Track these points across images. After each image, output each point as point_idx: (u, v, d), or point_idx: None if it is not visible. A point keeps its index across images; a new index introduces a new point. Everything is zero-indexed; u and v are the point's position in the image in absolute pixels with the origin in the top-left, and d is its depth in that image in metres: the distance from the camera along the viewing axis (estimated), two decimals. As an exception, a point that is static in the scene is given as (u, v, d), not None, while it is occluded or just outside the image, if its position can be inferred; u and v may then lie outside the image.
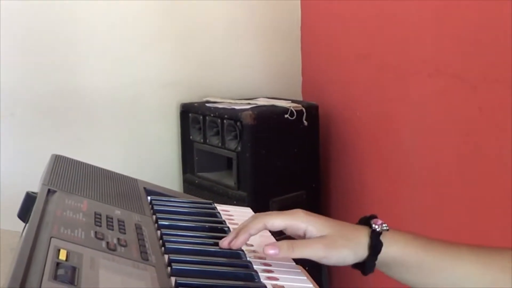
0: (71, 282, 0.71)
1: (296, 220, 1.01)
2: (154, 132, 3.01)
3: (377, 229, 1.02)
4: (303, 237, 1.02)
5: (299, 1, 3.24)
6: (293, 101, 2.91)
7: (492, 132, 2.18)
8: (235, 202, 2.62)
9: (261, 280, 0.91)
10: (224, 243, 1.01)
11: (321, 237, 1.00)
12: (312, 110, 2.88)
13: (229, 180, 2.81)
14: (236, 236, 1.01)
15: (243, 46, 3.15)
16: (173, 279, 0.85)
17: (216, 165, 2.96)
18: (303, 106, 2.84)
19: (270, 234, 1.11)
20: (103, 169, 1.27)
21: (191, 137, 2.95)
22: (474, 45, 2.22)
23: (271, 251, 0.97)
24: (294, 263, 1.03)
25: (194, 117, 2.92)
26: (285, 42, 3.25)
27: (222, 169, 2.95)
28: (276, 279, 0.94)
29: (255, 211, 1.34)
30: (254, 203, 2.60)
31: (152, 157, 3.00)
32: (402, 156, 2.61)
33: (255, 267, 0.95)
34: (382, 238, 1.01)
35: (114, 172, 1.28)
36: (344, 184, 3.00)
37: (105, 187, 1.17)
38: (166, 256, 0.92)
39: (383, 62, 2.68)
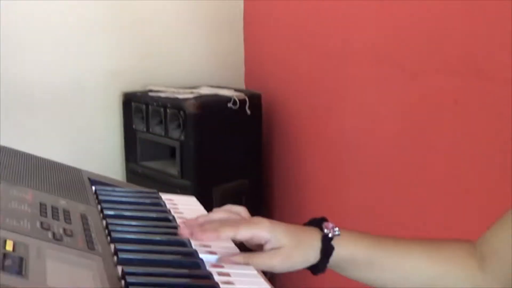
0: (19, 272, 0.72)
1: (261, 230, 1.02)
2: (97, 122, 2.99)
3: (329, 235, 1.05)
4: (262, 245, 1.03)
5: (242, -9, 3.26)
6: (236, 90, 2.93)
7: (432, 120, 2.23)
8: (178, 190, 2.63)
9: (207, 268, 0.92)
10: (184, 231, 1.01)
11: (278, 250, 1.02)
12: (255, 99, 2.90)
13: (172, 169, 2.82)
14: (203, 230, 1.01)
15: (186, 35, 3.15)
16: (119, 267, 0.85)
17: (159, 154, 2.96)
18: (246, 95, 2.86)
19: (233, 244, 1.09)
20: (47, 160, 1.27)
21: (134, 126, 2.94)
22: (414, 35, 2.27)
23: (237, 260, 0.98)
24: (239, 251, 1.04)
25: (137, 106, 2.91)
26: (228, 31, 3.26)
27: (165, 158, 2.95)
28: (222, 266, 0.96)
29: (198, 199, 1.36)
30: (197, 191, 2.61)
31: (95, 147, 2.98)
32: (344, 145, 2.65)
33: (200, 255, 0.96)
34: (333, 242, 1.04)
35: (58, 163, 1.28)
36: (287, 172, 3.03)
37: (50, 178, 1.17)
38: (112, 246, 0.93)
39: (326, 51, 2.71)
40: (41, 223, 0.90)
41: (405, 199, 2.36)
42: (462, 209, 2.12)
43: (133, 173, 2.97)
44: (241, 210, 1.12)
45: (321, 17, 2.73)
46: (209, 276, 0.89)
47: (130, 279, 0.82)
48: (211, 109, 2.77)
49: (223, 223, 1.04)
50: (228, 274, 0.93)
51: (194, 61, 3.19)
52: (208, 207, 1.25)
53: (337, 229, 1.06)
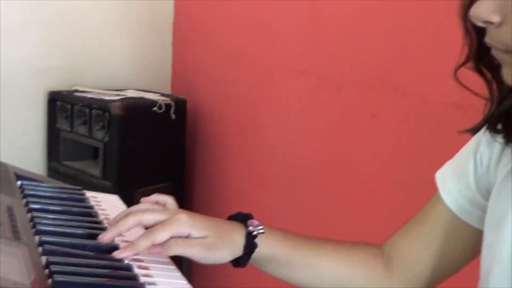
0: None
1: (181, 228, 1.02)
2: (21, 119, 2.96)
3: (253, 232, 1.07)
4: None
5: (173, -4, 3.30)
6: (162, 95, 2.96)
7: (354, 131, 2.31)
8: (99, 191, 2.64)
9: (129, 261, 0.97)
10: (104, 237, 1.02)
11: (203, 238, 1.03)
12: (180, 104, 2.94)
13: (95, 170, 2.82)
14: (121, 250, 1.01)
15: (115, 37, 3.17)
16: (44, 257, 0.89)
17: (82, 154, 2.96)
18: (171, 100, 2.90)
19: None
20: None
21: (58, 125, 2.94)
22: (338, 49, 2.35)
23: (157, 250, 0.99)
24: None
25: (62, 106, 2.91)
26: (157, 35, 3.29)
27: (88, 158, 2.96)
28: (141, 261, 1.00)
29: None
30: (119, 193, 2.61)
31: (18, 144, 2.95)
32: (265, 153, 2.71)
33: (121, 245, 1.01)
34: (256, 240, 1.07)
35: (-16, 156, 1.30)
36: (209, 177, 3.08)
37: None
38: (37, 237, 0.97)
39: (253, 61, 2.77)
40: (-32, 213, 0.93)
41: (322, 206, 2.44)
42: (377, 215, 2.21)
43: (55, 172, 2.95)
44: (168, 200, 1.15)
45: (248, 26, 2.79)
46: (129, 267, 0.94)
47: (54, 268, 0.86)
48: (136, 112, 2.79)
49: (128, 213, 1.05)
50: (147, 268, 0.97)
51: (122, 64, 3.20)
52: None
53: (261, 227, 1.08)
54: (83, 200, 1.26)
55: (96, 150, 2.85)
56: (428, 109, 1.99)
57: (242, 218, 1.10)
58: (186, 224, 1.03)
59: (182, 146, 3.01)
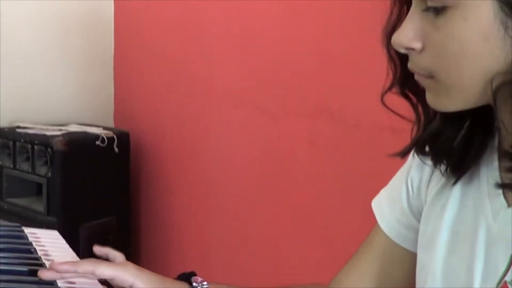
0: None
1: (124, 273, 1.04)
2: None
3: (197, 287, 1.08)
4: None
5: (112, 30, 3.31)
6: (104, 128, 2.98)
7: (289, 159, 2.36)
8: (44, 227, 2.62)
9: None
10: (45, 273, 1.03)
11: None
12: (123, 137, 2.96)
13: (39, 206, 2.82)
14: (61, 264, 1.03)
15: (55, 72, 3.17)
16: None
17: (26, 191, 2.95)
18: (114, 133, 2.92)
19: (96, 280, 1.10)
20: None
21: (0, 162, 2.93)
22: (275, 79, 2.41)
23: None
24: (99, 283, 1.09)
25: (3, 142, 2.90)
26: (98, 69, 3.31)
27: (32, 195, 2.95)
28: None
29: (64, 237, 1.39)
30: (64, 229, 2.62)
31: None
32: (206, 183, 2.75)
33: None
34: None
35: None
36: (153, 208, 3.09)
37: None
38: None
39: (191, 92, 2.81)
40: None
41: (263, 236, 2.48)
42: (319, 245, 2.25)
43: (-1, 210, 2.95)
44: (118, 256, 1.14)
45: (187, 58, 2.84)
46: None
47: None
48: (79, 146, 2.80)
49: (86, 261, 1.06)
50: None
51: (63, 98, 3.21)
52: (75, 245, 1.28)
53: (205, 283, 1.09)
54: (22, 237, 1.27)
55: (40, 186, 2.85)
56: (364, 134, 2.05)
57: (186, 277, 1.11)
58: (132, 272, 1.05)
59: (126, 179, 3.03)
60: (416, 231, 1.02)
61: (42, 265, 1.11)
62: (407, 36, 0.83)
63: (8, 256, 1.12)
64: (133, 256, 2.97)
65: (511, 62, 0.78)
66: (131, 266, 1.06)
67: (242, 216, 2.58)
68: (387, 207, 1.08)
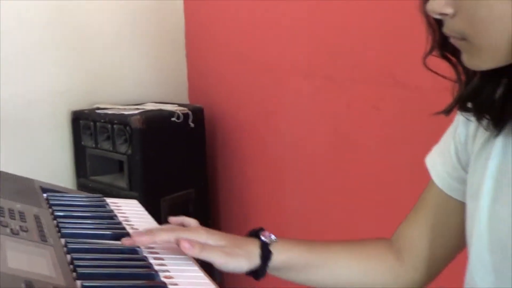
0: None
1: (197, 235, 1.11)
2: (47, 140, 3.06)
3: (267, 241, 1.16)
4: None
5: (182, 7, 3.38)
6: (179, 105, 3.07)
7: (358, 125, 2.42)
8: (128, 202, 2.76)
9: (149, 260, 1.07)
10: (127, 241, 1.10)
11: (221, 246, 1.11)
12: (197, 113, 3.05)
13: (121, 182, 2.94)
14: (140, 234, 1.10)
15: (130, 53, 3.27)
16: (68, 256, 1.02)
17: (108, 168, 3.08)
18: (189, 109, 3.01)
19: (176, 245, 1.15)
20: (3, 172, 1.42)
21: (83, 143, 3.06)
22: (340, 49, 2.45)
23: (186, 245, 1.08)
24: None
25: (85, 124, 3.02)
26: (170, 47, 3.39)
27: (114, 172, 3.08)
28: (162, 259, 1.10)
29: (147, 209, 1.47)
30: (146, 202, 2.72)
31: (46, 164, 3.06)
32: (280, 153, 2.82)
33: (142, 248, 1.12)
34: (271, 248, 1.16)
35: (13, 174, 1.43)
36: (230, 180, 3.18)
37: (5, 187, 1.32)
38: (62, 240, 1.09)
39: (262, 65, 2.87)
40: (0, 222, 1.06)
41: (336, 201, 2.54)
42: (389, 209, 2.30)
43: (84, 188, 3.06)
44: (192, 222, 1.22)
45: (258, 33, 2.89)
46: (146, 262, 1.05)
47: (78, 263, 0.98)
48: (156, 124, 2.90)
49: (165, 229, 1.14)
50: (162, 259, 1.09)
51: (139, 79, 3.30)
52: (157, 217, 1.37)
53: (273, 236, 1.17)
54: (104, 206, 1.38)
55: (121, 163, 2.97)
56: (424, 97, 2.09)
57: (255, 233, 1.18)
58: (204, 232, 1.13)
59: (202, 153, 3.12)
60: (465, 183, 1.08)
61: (123, 229, 1.22)
62: (440, 2, 0.88)
63: (93, 223, 1.23)
64: (213, 226, 3.07)
65: None
66: (202, 230, 1.14)
67: (316, 182, 2.64)
68: (440, 162, 1.15)
